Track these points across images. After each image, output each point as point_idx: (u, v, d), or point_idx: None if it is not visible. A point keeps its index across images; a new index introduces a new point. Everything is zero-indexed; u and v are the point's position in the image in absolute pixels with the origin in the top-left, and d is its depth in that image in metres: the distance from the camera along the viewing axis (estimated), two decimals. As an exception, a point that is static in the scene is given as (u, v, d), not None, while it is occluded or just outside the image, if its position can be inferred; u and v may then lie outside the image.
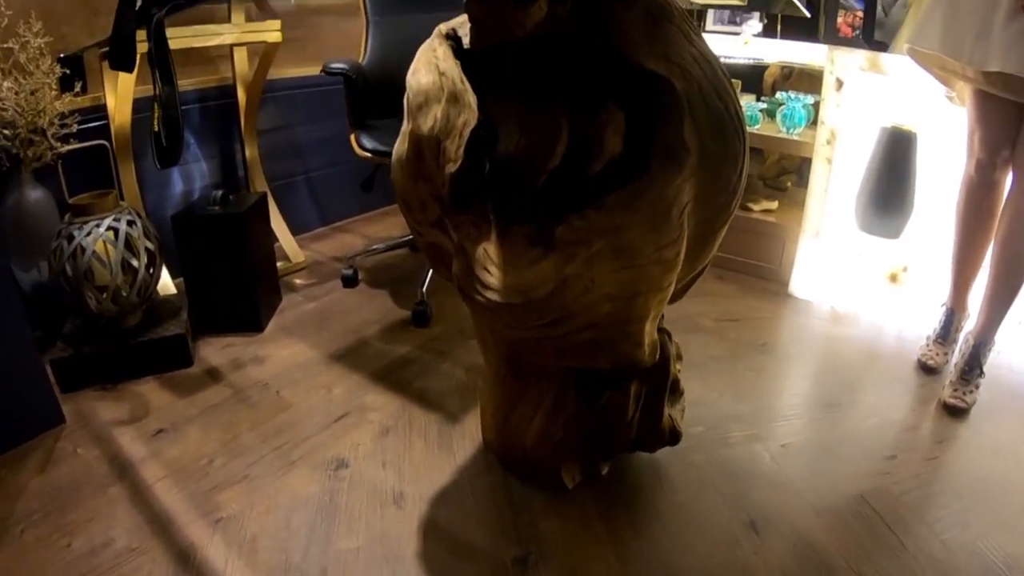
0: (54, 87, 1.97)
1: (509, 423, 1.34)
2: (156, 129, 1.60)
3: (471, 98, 0.97)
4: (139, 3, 1.53)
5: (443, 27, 1.10)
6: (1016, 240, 1.72)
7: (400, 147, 1.06)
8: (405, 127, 1.06)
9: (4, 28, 1.86)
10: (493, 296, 0.97)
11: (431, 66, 1.01)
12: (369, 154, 2.03)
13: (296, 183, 2.93)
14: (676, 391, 1.42)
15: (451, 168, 0.95)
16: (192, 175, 2.50)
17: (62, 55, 2.04)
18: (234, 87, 2.46)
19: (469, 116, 0.95)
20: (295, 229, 2.75)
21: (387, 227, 3.04)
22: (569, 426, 1.26)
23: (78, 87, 2.04)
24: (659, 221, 0.99)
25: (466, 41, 1.07)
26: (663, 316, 1.30)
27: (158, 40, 1.36)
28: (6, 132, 1.88)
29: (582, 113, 0.98)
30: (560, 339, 1.03)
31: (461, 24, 1.13)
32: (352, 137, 2.07)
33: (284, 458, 1.50)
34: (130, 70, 1.43)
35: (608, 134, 0.97)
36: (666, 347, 1.21)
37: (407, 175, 1.04)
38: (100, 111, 2.18)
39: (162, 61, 1.34)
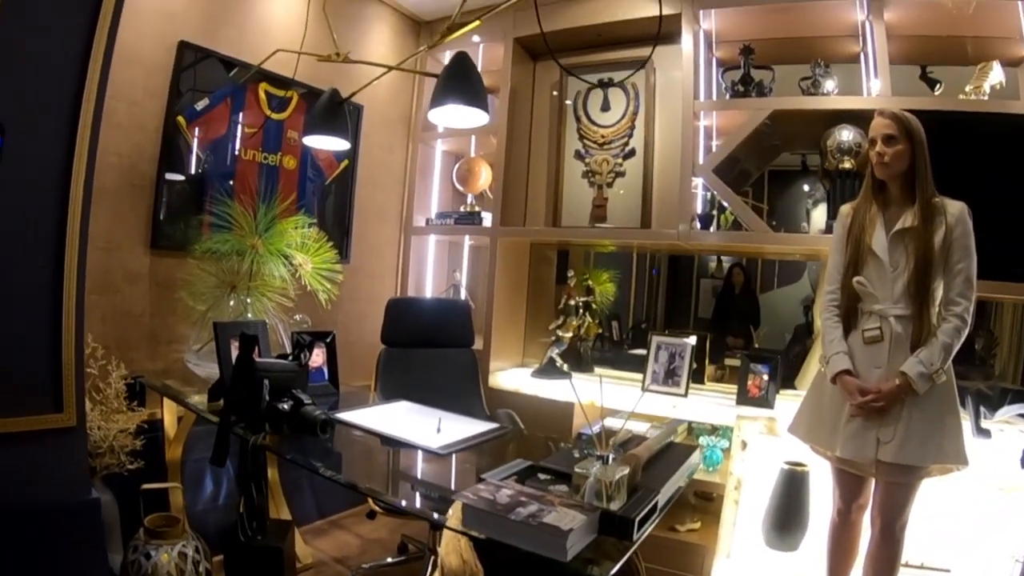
0: (124, 410, 2.83)
1: None
2: (241, 511, 2.40)
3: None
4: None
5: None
6: (873, 581, 2.63)
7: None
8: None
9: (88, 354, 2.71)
10: None
11: (457, 552, 1.90)
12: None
13: (300, 480, 3.75)
14: None
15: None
16: (221, 480, 3.31)
17: (127, 378, 2.86)
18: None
19: (481, 591, 1.84)
20: (297, 521, 3.52)
21: (377, 527, 3.85)
22: None
23: (144, 413, 2.91)
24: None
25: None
26: None
27: (254, 461, 2.17)
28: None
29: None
30: None
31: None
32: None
33: None
34: (222, 466, 2.25)
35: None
36: None
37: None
38: (155, 425, 3.01)
39: (256, 478, 2.16)
